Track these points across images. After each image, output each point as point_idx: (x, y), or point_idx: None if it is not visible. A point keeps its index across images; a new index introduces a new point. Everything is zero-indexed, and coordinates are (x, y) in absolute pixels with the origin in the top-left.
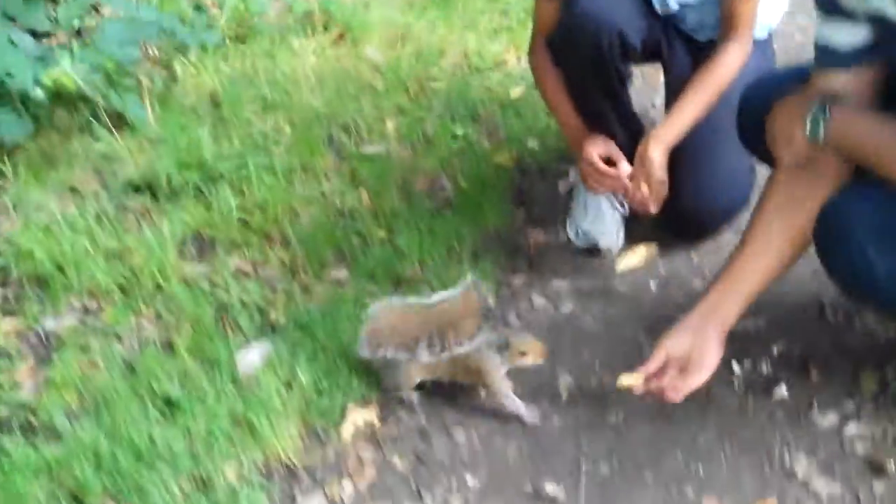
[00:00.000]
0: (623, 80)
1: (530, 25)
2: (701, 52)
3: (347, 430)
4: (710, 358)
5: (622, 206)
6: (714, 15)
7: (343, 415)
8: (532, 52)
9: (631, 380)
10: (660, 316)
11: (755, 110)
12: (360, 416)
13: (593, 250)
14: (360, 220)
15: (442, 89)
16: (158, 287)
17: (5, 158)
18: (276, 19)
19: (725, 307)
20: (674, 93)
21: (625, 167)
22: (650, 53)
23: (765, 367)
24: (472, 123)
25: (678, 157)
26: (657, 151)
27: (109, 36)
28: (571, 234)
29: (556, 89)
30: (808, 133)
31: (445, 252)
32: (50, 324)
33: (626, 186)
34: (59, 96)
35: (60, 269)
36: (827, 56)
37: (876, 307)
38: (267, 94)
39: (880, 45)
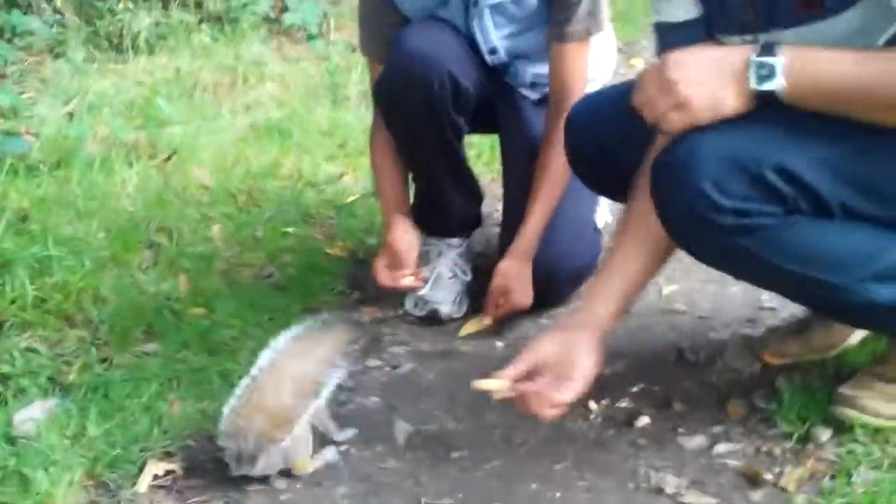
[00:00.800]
0: (457, 132)
1: (368, 152)
2: (536, 107)
3: (144, 481)
4: (584, 363)
5: (465, 273)
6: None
7: (142, 468)
8: (372, 130)
9: (491, 384)
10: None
11: (587, 136)
12: (160, 468)
13: (433, 318)
14: (175, 301)
15: (274, 198)
16: None
17: None
18: (97, 147)
19: (599, 307)
20: (511, 155)
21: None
22: (482, 114)
23: (624, 403)
24: (304, 224)
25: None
26: (519, 268)
27: None
28: (409, 305)
29: (383, 157)
30: (754, 86)
31: (268, 321)
32: None
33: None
34: None
35: None
36: (671, 33)
37: (715, 259)
38: (80, 206)
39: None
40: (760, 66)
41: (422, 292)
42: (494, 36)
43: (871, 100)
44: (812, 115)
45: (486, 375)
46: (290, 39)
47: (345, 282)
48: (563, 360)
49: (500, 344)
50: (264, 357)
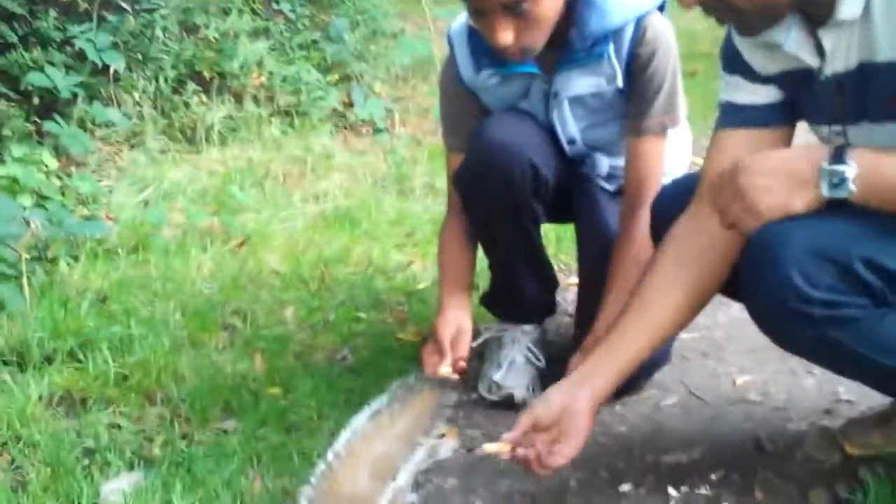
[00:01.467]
0: (536, 219)
1: (436, 240)
2: (612, 199)
3: None
4: (579, 425)
5: (538, 359)
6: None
7: None
8: (443, 227)
9: (496, 447)
10: (585, 454)
11: (668, 219)
12: None
13: (507, 403)
14: (251, 381)
15: (345, 283)
16: (16, 437)
17: None
18: (173, 232)
19: (599, 372)
20: (586, 245)
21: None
22: (559, 203)
23: (704, 490)
24: (375, 310)
25: None
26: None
27: None
28: (483, 390)
29: (449, 247)
30: (825, 194)
31: (344, 402)
32: None
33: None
34: None
35: None
36: (731, 114)
37: (803, 350)
38: (158, 289)
39: (786, 103)
40: (832, 173)
41: (496, 377)
42: (573, 127)
43: None
44: None
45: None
46: (357, 133)
47: (417, 365)
48: (562, 424)
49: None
50: (341, 439)
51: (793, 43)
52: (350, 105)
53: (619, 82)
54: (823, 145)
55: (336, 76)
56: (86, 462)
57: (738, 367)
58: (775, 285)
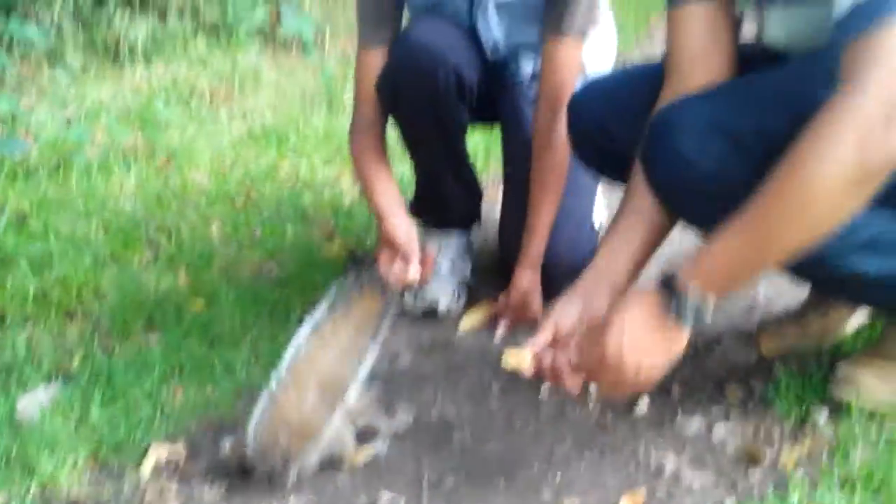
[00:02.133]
0: (461, 124)
1: None
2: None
3: (148, 465)
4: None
5: (463, 267)
6: None
7: (145, 453)
8: (352, 128)
9: (518, 358)
10: None
11: (592, 119)
12: (163, 453)
13: (431, 312)
14: (175, 295)
15: (271, 199)
16: None
17: None
18: (96, 151)
19: (615, 267)
20: (511, 150)
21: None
22: (483, 107)
23: None
24: (302, 224)
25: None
26: (532, 278)
27: None
28: (407, 298)
29: (370, 157)
30: (693, 323)
31: (269, 314)
32: None
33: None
34: None
35: None
36: None
37: (704, 223)
38: (80, 207)
39: None
40: (683, 308)
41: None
42: (497, 31)
43: (778, 251)
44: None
45: (485, 369)
46: (286, 51)
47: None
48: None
49: (498, 333)
50: (284, 361)
51: None
52: (278, 22)
53: None
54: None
55: None
56: (2, 376)
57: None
58: (669, 158)
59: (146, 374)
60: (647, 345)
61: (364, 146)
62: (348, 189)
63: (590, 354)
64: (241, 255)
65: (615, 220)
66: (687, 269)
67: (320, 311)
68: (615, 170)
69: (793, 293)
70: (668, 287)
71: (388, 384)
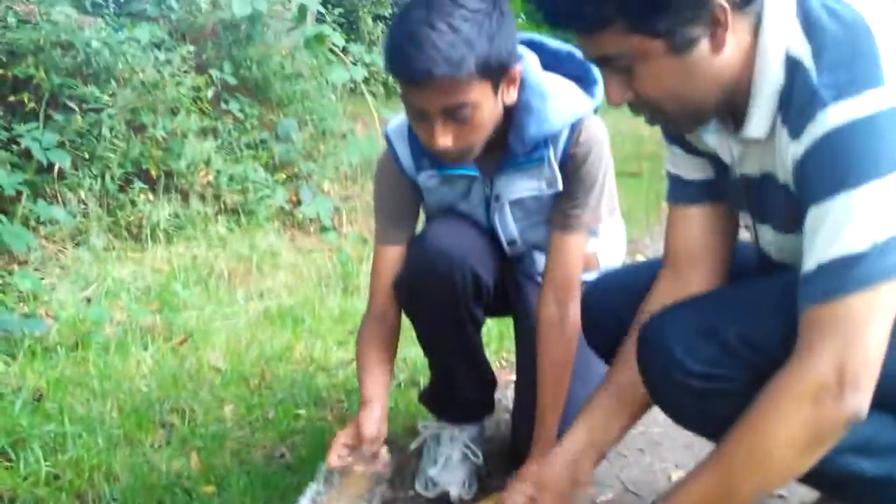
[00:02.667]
0: (476, 324)
1: None
2: None
3: None
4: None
5: (476, 455)
6: None
7: None
8: (364, 319)
9: None
10: None
11: (605, 310)
12: None
13: (443, 500)
14: (186, 479)
15: (285, 381)
16: None
17: None
18: (114, 330)
19: (566, 471)
20: (524, 343)
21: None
22: (497, 299)
23: None
24: (315, 407)
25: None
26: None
27: None
28: (419, 486)
29: (370, 350)
30: None
31: (279, 498)
32: None
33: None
34: None
35: None
36: (680, 187)
37: (697, 424)
38: (96, 386)
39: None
40: None
41: (432, 474)
42: (514, 228)
43: (740, 494)
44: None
45: None
46: (304, 232)
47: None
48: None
49: None
50: None
51: (712, 140)
52: (298, 203)
53: (559, 185)
54: None
55: (284, 175)
56: None
57: (674, 463)
58: (660, 360)
59: None
60: None
61: (371, 335)
62: None
63: None
64: (253, 438)
65: (587, 414)
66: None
67: (316, 486)
68: None
69: (805, 491)
70: None
71: None
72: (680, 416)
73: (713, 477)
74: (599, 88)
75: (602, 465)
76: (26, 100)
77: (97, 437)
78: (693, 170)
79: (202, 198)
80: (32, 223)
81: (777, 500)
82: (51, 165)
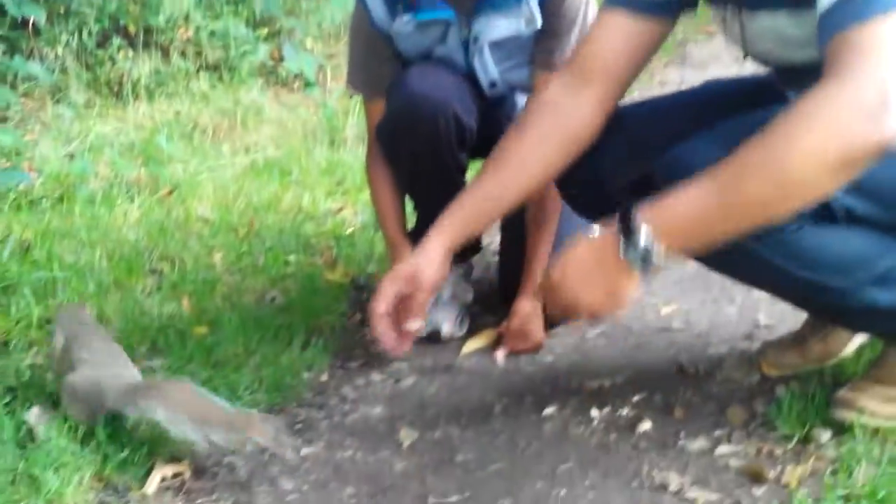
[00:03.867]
0: (460, 167)
1: (367, 188)
2: None
3: (153, 483)
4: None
5: (465, 294)
6: None
7: (150, 471)
8: (368, 163)
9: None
10: (510, 382)
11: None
12: (168, 471)
13: (434, 337)
14: (178, 321)
15: (274, 229)
16: None
17: None
18: (99, 183)
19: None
20: None
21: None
22: (482, 143)
23: (625, 411)
24: (304, 253)
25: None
26: (533, 307)
27: None
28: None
29: (383, 195)
30: (640, 269)
31: (272, 337)
32: None
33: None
34: None
35: None
36: None
37: (723, 263)
38: (83, 236)
39: None
40: (633, 253)
41: None
42: (494, 70)
43: (741, 215)
44: None
45: (488, 391)
46: (287, 88)
47: (346, 304)
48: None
49: (500, 357)
50: None
51: None
52: (280, 60)
53: (538, 23)
54: (611, 227)
55: (266, 31)
56: (7, 399)
57: (664, 298)
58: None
59: None
60: (587, 275)
61: (376, 174)
62: (350, 219)
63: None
64: (244, 283)
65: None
66: (645, 210)
67: None
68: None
69: (793, 317)
70: (624, 222)
71: (393, 403)
72: (713, 257)
73: (718, 191)
74: None
75: None
76: None
77: (87, 283)
78: None
79: (183, 54)
80: (10, 79)
81: (764, 329)
82: (25, 21)
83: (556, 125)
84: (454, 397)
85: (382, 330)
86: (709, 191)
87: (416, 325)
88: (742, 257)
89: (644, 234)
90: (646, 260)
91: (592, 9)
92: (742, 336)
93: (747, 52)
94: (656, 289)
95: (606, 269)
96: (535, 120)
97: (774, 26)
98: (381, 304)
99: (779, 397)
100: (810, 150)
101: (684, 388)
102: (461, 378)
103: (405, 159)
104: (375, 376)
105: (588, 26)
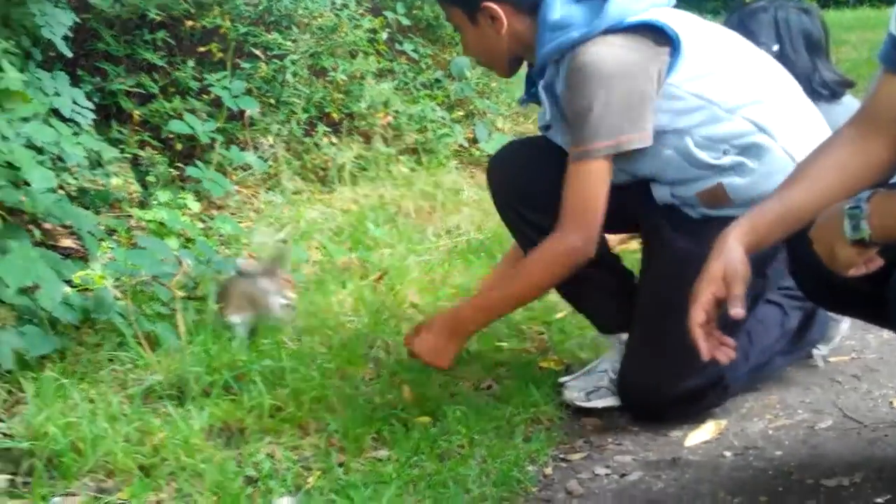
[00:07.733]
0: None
1: None
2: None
3: None
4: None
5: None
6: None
7: None
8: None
9: None
10: (740, 478)
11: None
12: None
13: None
14: (401, 410)
15: None
16: (182, 467)
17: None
18: (312, 269)
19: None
20: (648, 276)
21: None
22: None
23: None
24: (515, 340)
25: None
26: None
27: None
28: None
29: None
30: (849, 237)
31: (494, 430)
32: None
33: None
34: (86, 312)
35: (76, 449)
36: None
37: None
38: (303, 323)
39: None
40: (851, 216)
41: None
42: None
43: None
44: None
45: (719, 488)
46: (482, 168)
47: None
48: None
49: (727, 453)
50: None
51: None
52: (474, 141)
53: (548, 116)
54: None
55: (460, 113)
56: (249, 490)
57: (893, 388)
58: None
59: (383, 490)
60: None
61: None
62: (559, 303)
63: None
64: (459, 371)
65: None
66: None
67: None
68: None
69: None
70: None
71: (620, 500)
72: None
73: None
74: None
75: (816, 392)
76: (214, 50)
77: (312, 371)
78: None
79: (384, 139)
80: (227, 169)
81: None
82: (240, 112)
83: (853, 155)
84: (684, 495)
85: (701, 338)
86: None
87: (740, 312)
88: None
89: (863, 210)
90: (856, 228)
91: (621, 86)
92: None
93: None
94: (885, 380)
95: (829, 230)
96: (832, 149)
97: None
98: (700, 313)
99: None
100: None
101: None
102: (689, 473)
103: None
104: (600, 469)
105: (615, 111)
